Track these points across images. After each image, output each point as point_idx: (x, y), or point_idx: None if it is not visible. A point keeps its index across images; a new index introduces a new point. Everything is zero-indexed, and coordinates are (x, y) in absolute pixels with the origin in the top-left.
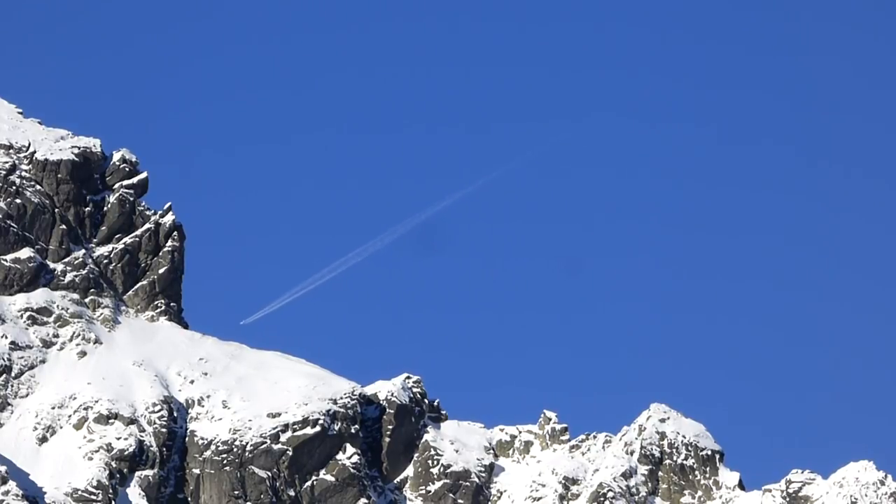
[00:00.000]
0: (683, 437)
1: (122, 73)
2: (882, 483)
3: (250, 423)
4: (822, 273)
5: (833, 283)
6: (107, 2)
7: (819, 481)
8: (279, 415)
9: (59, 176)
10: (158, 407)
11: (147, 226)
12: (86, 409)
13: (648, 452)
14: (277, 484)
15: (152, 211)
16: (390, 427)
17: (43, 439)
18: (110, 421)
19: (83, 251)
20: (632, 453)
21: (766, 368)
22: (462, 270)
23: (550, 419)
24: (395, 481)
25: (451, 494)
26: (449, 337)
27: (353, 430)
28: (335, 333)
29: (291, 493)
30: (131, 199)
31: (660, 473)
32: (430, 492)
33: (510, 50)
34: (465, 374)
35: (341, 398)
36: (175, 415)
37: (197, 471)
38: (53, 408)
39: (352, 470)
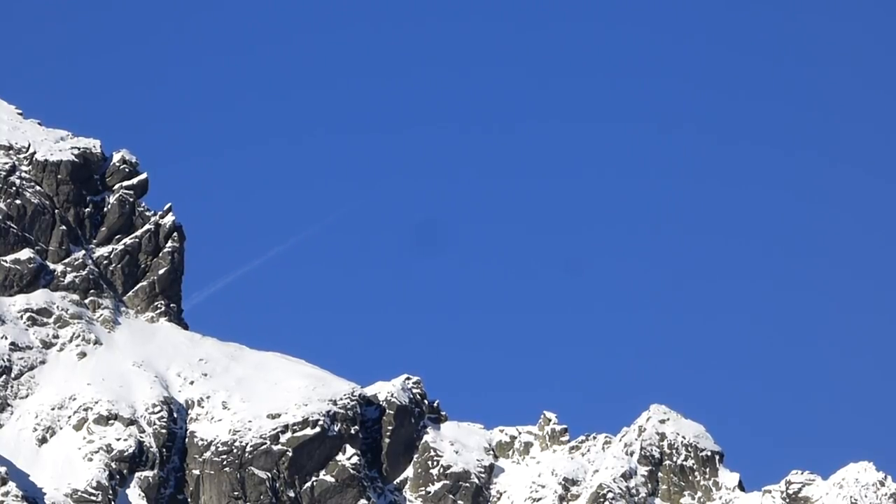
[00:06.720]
0: (683, 437)
1: (122, 73)
2: (882, 484)
3: (250, 424)
4: (821, 273)
5: (833, 283)
6: (107, 2)
7: (819, 482)
8: (279, 416)
9: (58, 177)
10: (158, 408)
11: (147, 227)
12: (85, 409)
13: (648, 453)
14: (277, 485)
15: (152, 212)
16: (390, 428)
17: (43, 440)
18: (110, 422)
19: (83, 252)
20: (632, 454)
21: (766, 368)
22: (462, 271)
23: (550, 420)
24: (394, 482)
25: (450, 495)
26: (449, 337)
27: (352, 431)
28: (335, 334)
29: (291, 494)
30: (131, 199)
31: (660, 474)
32: (429, 493)
33: (509, 51)
34: (465, 375)
35: (341, 399)
36: (175, 416)
37: (197, 472)
38: (53, 409)
39: (351, 471)
